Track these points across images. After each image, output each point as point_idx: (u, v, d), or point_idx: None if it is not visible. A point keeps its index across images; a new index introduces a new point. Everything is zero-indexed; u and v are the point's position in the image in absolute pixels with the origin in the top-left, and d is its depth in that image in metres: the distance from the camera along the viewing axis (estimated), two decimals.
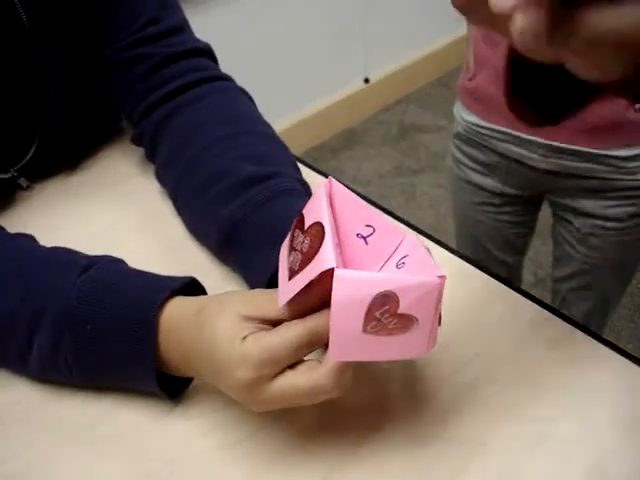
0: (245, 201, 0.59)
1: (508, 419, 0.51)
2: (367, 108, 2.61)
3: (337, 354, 0.41)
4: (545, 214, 1.17)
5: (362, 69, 2.53)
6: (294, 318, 0.44)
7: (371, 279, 0.40)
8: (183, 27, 0.75)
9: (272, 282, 0.54)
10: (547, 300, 1.57)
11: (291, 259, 0.44)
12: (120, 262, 0.54)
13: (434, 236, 0.68)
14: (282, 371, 0.43)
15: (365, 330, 0.40)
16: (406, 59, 2.65)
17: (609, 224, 1.01)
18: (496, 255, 1.21)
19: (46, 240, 0.58)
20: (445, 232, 2.09)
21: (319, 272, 0.40)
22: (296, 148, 2.70)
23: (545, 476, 0.47)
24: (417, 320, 0.41)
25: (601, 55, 0.31)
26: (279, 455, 0.49)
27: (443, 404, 0.52)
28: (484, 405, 0.52)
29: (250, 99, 0.74)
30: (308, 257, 0.42)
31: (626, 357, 0.55)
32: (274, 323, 0.44)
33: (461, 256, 0.65)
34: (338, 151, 2.48)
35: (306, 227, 0.43)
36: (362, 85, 2.55)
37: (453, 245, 1.30)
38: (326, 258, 0.40)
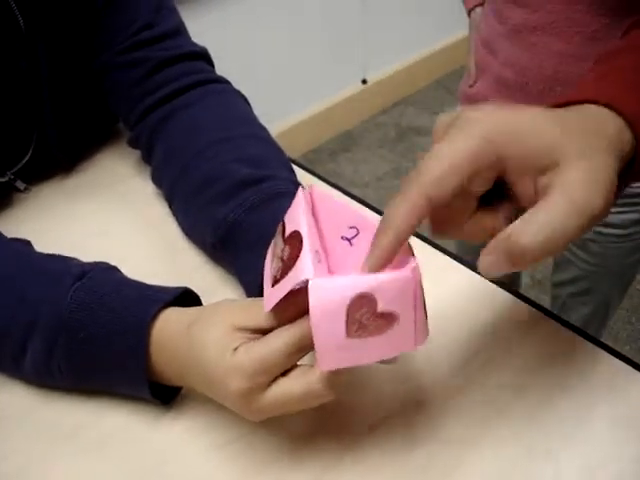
0: (239, 204, 0.59)
1: (502, 420, 0.51)
2: (365, 110, 2.60)
3: (325, 364, 0.41)
4: None
5: (360, 71, 2.53)
6: (283, 325, 0.44)
7: (344, 284, 0.40)
8: (179, 30, 0.75)
9: None
10: (544, 302, 1.57)
11: (274, 266, 0.44)
12: (114, 270, 0.55)
13: (428, 238, 0.68)
14: (275, 379, 0.44)
15: (349, 335, 0.40)
16: (404, 61, 2.65)
17: (610, 230, 1.01)
18: None
19: (43, 242, 0.58)
20: None
21: (297, 282, 0.41)
22: (293, 150, 2.72)
23: (539, 477, 0.48)
24: (398, 315, 0.41)
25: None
26: (271, 457, 0.49)
27: (437, 405, 0.52)
28: (478, 407, 0.52)
29: (246, 101, 0.74)
30: (288, 266, 0.42)
31: (621, 359, 0.55)
32: (265, 332, 0.45)
33: (455, 257, 0.66)
34: (336, 153, 2.48)
35: (286, 235, 0.44)
36: (360, 87, 2.55)
37: (450, 247, 1.31)
38: (303, 269, 0.40)
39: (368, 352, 0.42)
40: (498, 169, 0.40)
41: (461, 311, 0.59)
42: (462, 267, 0.64)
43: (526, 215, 0.39)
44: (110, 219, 0.72)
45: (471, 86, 1.01)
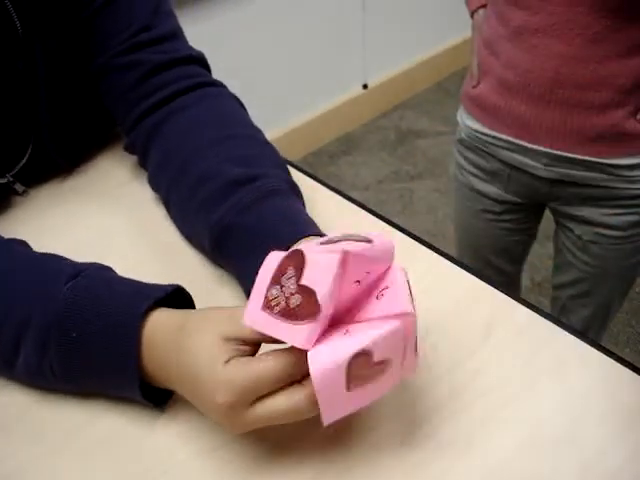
0: (232, 205, 0.59)
1: (496, 420, 0.51)
2: (365, 114, 2.61)
3: (330, 417, 0.43)
4: (544, 218, 1.17)
5: (360, 75, 2.53)
6: (271, 340, 0.44)
7: (342, 346, 0.41)
8: (176, 34, 0.75)
9: None
10: (543, 305, 1.57)
11: (273, 292, 0.43)
12: (108, 270, 0.55)
13: (426, 240, 0.68)
14: (261, 397, 0.44)
15: (349, 389, 0.42)
16: (404, 65, 2.66)
17: (610, 232, 1.01)
18: (495, 263, 1.22)
19: (40, 245, 0.58)
20: (443, 237, 2.09)
21: (292, 343, 0.42)
22: (294, 153, 2.72)
23: (532, 477, 0.48)
24: (393, 359, 0.43)
25: None
26: (264, 460, 0.49)
27: (431, 406, 0.52)
28: (472, 407, 0.52)
29: (241, 105, 0.74)
30: (290, 315, 0.42)
31: (621, 363, 0.55)
32: (252, 342, 0.45)
33: (450, 258, 0.66)
34: (336, 156, 2.48)
35: (302, 280, 0.43)
36: (360, 91, 2.55)
37: (451, 251, 1.31)
38: (304, 338, 0.42)
39: (366, 397, 0.44)
40: None
41: (461, 315, 0.60)
42: (464, 272, 0.64)
43: None
44: (108, 223, 0.72)
45: (474, 87, 1.02)
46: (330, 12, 2.29)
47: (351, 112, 2.55)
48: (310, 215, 0.61)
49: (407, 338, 0.43)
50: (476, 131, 1.04)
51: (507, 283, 1.27)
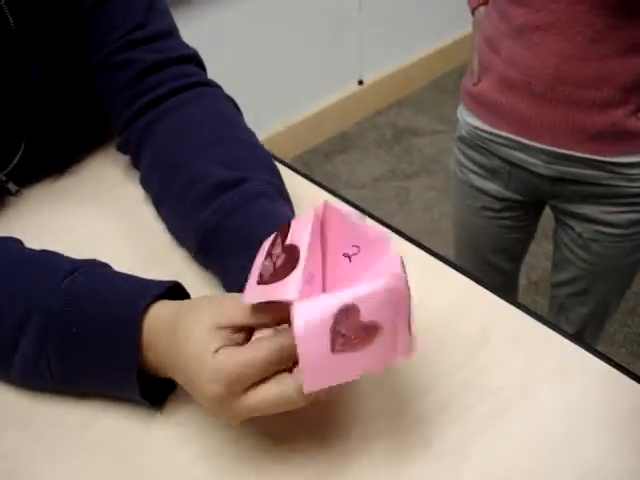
0: (217, 207, 0.60)
1: (493, 427, 0.51)
2: (361, 111, 2.60)
3: (312, 383, 0.42)
4: (542, 217, 1.17)
5: (356, 71, 2.52)
6: (262, 324, 0.45)
7: (328, 299, 0.41)
8: (171, 32, 0.74)
9: None
10: (540, 304, 1.56)
11: (265, 264, 0.45)
12: (105, 266, 0.55)
13: (420, 242, 0.68)
14: (251, 385, 0.44)
15: (334, 350, 0.41)
16: (400, 62, 2.65)
17: (611, 230, 1.01)
18: (493, 261, 1.22)
19: (33, 245, 0.58)
20: (439, 235, 2.09)
21: (281, 299, 0.42)
22: (289, 152, 2.71)
23: None
24: (382, 327, 0.42)
25: None
26: (263, 465, 0.49)
27: (428, 412, 0.52)
28: (469, 413, 0.52)
29: (235, 106, 0.74)
30: (278, 275, 0.43)
31: (615, 367, 0.55)
32: (242, 329, 0.45)
33: (446, 262, 0.66)
34: (331, 155, 2.48)
35: (286, 242, 0.45)
36: (356, 87, 2.55)
37: (450, 249, 1.31)
38: (289, 289, 0.42)
39: (352, 368, 0.42)
40: None
41: (457, 318, 0.59)
42: (459, 275, 0.64)
43: None
44: (100, 224, 0.72)
45: (475, 84, 1.02)
46: (326, 8, 2.28)
47: (347, 110, 2.54)
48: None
49: (398, 304, 0.42)
50: (476, 128, 1.04)
51: (505, 281, 1.27)
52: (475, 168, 1.09)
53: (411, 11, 2.55)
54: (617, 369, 0.55)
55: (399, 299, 0.42)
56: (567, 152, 0.95)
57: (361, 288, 0.41)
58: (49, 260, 0.54)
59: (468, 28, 1.08)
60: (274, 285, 0.43)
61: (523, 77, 0.92)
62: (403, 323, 0.43)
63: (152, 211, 0.71)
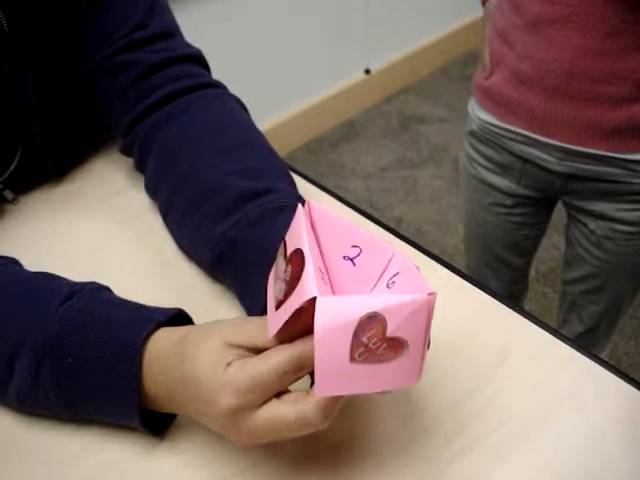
0: (238, 219, 0.57)
1: (512, 451, 0.49)
2: (367, 99, 2.57)
3: (324, 388, 0.39)
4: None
5: (363, 60, 2.49)
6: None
7: (355, 302, 0.38)
8: (173, 31, 0.72)
9: None
10: (548, 296, 1.55)
11: (277, 288, 0.43)
12: (105, 290, 0.52)
13: (437, 255, 0.66)
14: (268, 400, 0.42)
15: (352, 358, 0.38)
16: (407, 49, 2.62)
17: (625, 228, 0.99)
18: (503, 257, 1.20)
19: (31, 256, 0.56)
20: (446, 226, 2.07)
21: (302, 302, 0.38)
22: (295, 141, 2.69)
23: None
24: (407, 344, 0.39)
25: None
26: None
27: (444, 436, 0.50)
28: (487, 437, 0.50)
29: (243, 107, 0.72)
30: (292, 286, 0.40)
31: (638, 387, 0.54)
32: (259, 351, 0.43)
33: (462, 275, 0.64)
34: (338, 144, 2.45)
35: (288, 254, 0.42)
36: (363, 76, 2.52)
37: (456, 240, 1.28)
38: (307, 288, 0.38)
39: (368, 382, 0.40)
40: None
41: (474, 337, 0.57)
42: (476, 289, 0.62)
43: None
44: (103, 232, 0.69)
45: (486, 78, 0.99)
46: None
47: (353, 98, 2.52)
48: None
49: (428, 326, 0.39)
50: (488, 123, 1.02)
51: (515, 277, 1.25)
52: (486, 163, 1.07)
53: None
54: (621, 378, 0.54)
55: (429, 317, 0.39)
56: (581, 149, 0.93)
57: (388, 298, 0.38)
58: (45, 284, 0.52)
59: (475, 14, 1.06)
60: (292, 297, 0.40)
61: (536, 71, 0.90)
62: (425, 347, 0.41)
63: (159, 218, 0.68)
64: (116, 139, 0.77)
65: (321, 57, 2.35)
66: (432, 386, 0.53)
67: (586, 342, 1.21)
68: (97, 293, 0.51)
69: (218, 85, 0.72)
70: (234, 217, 0.58)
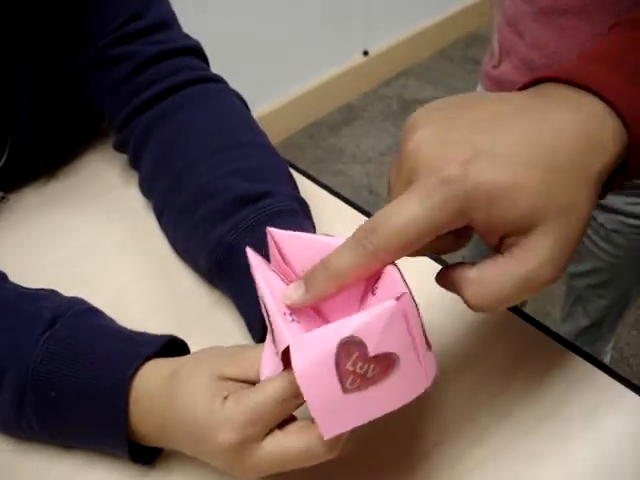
0: (236, 224, 0.55)
1: (525, 467, 0.48)
2: (366, 82, 2.54)
3: (329, 429, 0.37)
4: None
5: (361, 41, 2.46)
6: None
7: (324, 333, 0.36)
8: (170, 22, 0.69)
9: None
10: (553, 290, 1.52)
11: (268, 328, 0.42)
12: (91, 312, 0.50)
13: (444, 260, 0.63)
14: (270, 432, 0.40)
15: (345, 390, 0.36)
16: (407, 31, 2.58)
17: (635, 221, 0.97)
18: None
19: (20, 259, 0.55)
20: None
21: (281, 351, 0.38)
22: (293, 125, 2.65)
23: None
24: (396, 355, 0.36)
25: None
26: None
27: (456, 453, 0.48)
28: (499, 455, 0.48)
29: (244, 103, 0.69)
30: (272, 331, 0.40)
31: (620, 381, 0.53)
32: (254, 383, 0.41)
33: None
34: (336, 127, 2.42)
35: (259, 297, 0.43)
36: (361, 58, 2.49)
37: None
38: (280, 339, 0.38)
39: (374, 405, 0.37)
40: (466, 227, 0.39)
41: (485, 348, 0.56)
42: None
43: (476, 271, 0.39)
44: (95, 231, 0.67)
45: (495, 67, 0.96)
46: None
47: (352, 81, 2.48)
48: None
49: (408, 326, 0.37)
50: None
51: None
52: None
53: None
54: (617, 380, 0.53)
55: (408, 320, 0.37)
56: None
57: (357, 319, 0.36)
58: (28, 309, 0.49)
59: None
60: (276, 344, 0.39)
61: (547, 62, 0.87)
62: (420, 343, 0.38)
63: (153, 218, 0.66)
64: (109, 134, 0.75)
65: (319, 40, 2.31)
66: (441, 399, 0.52)
67: (591, 336, 1.20)
68: (81, 318, 0.48)
69: (218, 79, 0.69)
70: (231, 221, 0.55)
